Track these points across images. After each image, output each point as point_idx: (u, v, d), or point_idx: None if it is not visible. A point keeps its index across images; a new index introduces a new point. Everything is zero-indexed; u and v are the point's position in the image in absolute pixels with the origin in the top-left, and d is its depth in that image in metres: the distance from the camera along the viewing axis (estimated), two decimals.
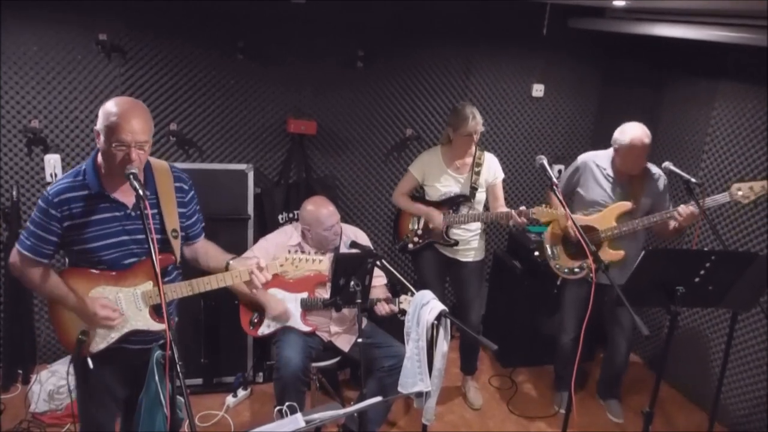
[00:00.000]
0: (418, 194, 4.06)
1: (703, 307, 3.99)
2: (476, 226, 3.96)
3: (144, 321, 2.50)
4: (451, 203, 3.90)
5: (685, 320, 4.30)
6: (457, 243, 3.92)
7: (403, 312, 3.22)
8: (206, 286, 2.53)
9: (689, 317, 4.28)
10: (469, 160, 3.91)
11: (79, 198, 2.35)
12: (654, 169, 3.63)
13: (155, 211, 2.44)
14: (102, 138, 2.28)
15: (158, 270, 2.12)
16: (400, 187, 4.06)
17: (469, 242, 3.97)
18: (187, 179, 2.61)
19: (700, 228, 4.13)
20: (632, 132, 3.46)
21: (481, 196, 3.92)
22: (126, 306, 2.48)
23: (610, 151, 3.64)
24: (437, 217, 3.87)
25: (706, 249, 4.04)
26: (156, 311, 2.51)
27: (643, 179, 3.59)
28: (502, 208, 3.89)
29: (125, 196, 2.40)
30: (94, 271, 2.43)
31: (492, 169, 3.93)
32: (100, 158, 2.37)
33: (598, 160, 3.70)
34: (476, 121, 3.74)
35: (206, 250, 2.70)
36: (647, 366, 4.75)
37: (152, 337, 2.56)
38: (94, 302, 2.40)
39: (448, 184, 3.91)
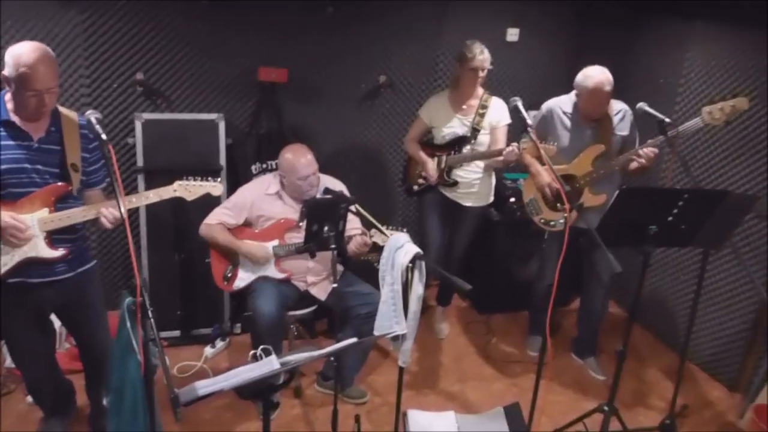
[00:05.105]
0: (426, 139, 4.08)
1: (676, 246, 4.01)
2: (478, 170, 3.95)
3: (36, 248, 2.58)
4: (454, 145, 3.91)
5: (657, 262, 4.35)
6: (456, 183, 3.93)
7: (377, 248, 3.21)
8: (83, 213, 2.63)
9: (662, 259, 4.34)
10: (475, 102, 3.88)
11: None
12: (617, 105, 3.61)
13: (58, 147, 2.60)
14: (13, 85, 2.45)
15: (123, 208, 2.19)
16: (410, 133, 4.12)
17: (472, 185, 3.97)
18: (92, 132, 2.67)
19: (674, 166, 4.15)
20: (595, 77, 3.44)
21: (483, 138, 3.90)
22: None
23: (572, 95, 3.62)
24: (431, 167, 3.93)
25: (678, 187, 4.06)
26: (51, 239, 2.61)
27: (609, 119, 3.57)
28: None
29: (33, 129, 2.55)
30: None
31: (497, 113, 3.90)
32: (9, 95, 2.52)
33: (563, 106, 3.68)
34: (484, 56, 3.74)
35: (89, 195, 2.78)
36: (621, 310, 4.82)
37: (50, 270, 2.67)
38: (4, 213, 2.50)
39: (452, 126, 3.92)
